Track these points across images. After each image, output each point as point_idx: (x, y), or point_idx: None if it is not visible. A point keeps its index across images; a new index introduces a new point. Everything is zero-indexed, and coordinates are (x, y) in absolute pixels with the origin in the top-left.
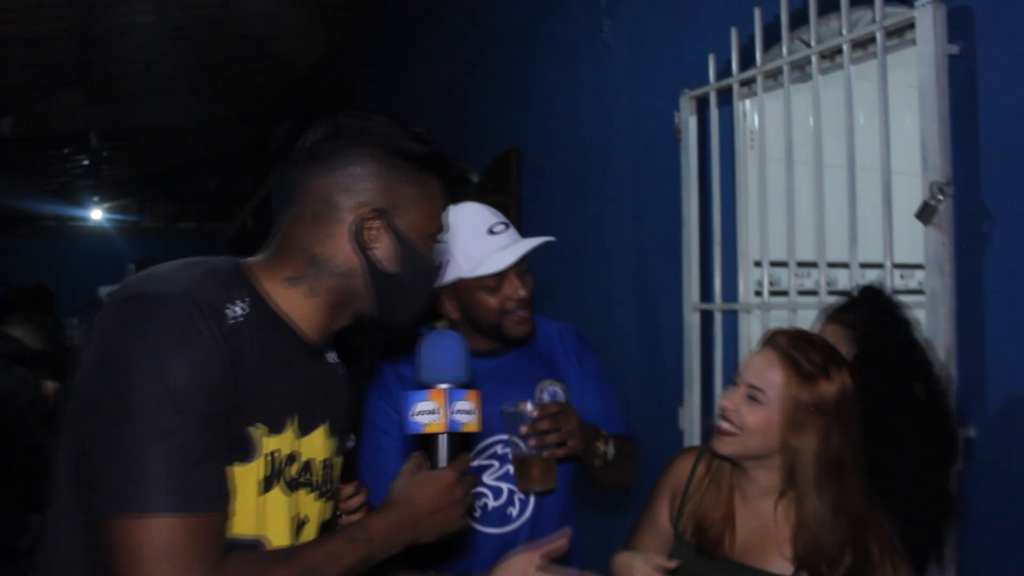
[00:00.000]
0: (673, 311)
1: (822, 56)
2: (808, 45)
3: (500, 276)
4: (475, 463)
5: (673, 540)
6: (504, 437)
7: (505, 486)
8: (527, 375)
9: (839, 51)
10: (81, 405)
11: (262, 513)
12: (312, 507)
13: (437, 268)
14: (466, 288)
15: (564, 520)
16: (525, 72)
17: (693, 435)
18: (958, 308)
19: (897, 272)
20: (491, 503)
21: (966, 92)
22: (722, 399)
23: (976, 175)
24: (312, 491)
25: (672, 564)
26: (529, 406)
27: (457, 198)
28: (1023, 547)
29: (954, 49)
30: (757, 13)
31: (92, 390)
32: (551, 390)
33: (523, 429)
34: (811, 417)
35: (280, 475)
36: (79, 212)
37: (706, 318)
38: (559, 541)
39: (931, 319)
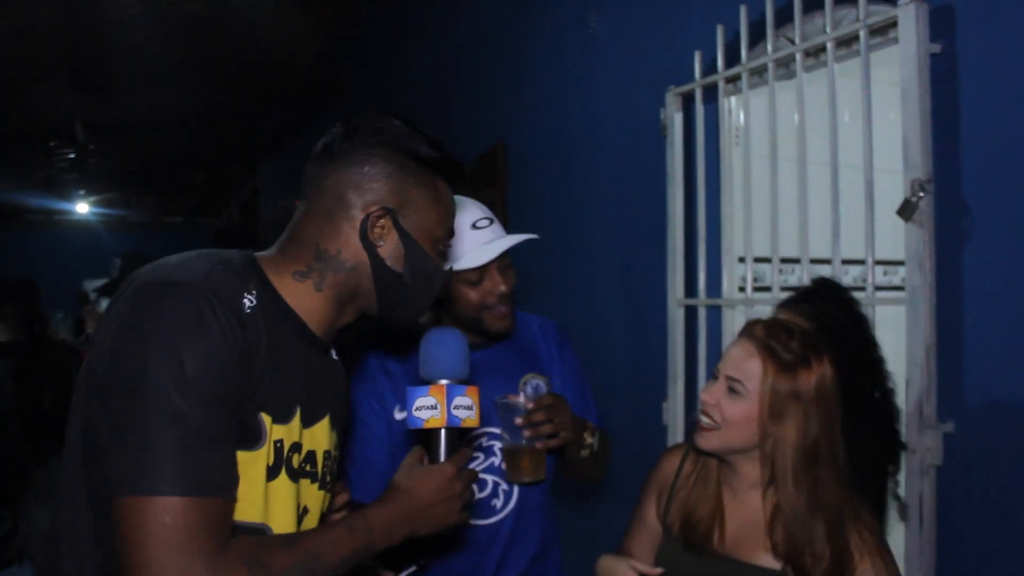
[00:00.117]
0: (657, 306)
1: (806, 54)
2: (793, 43)
3: (481, 271)
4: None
5: (662, 537)
6: (490, 430)
7: (490, 478)
8: (510, 368)
9: (823, 49)
10: (94, 388)
11: (267, 500)
12: (314, 497)
13: (442, 271)
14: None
15: (546, 511)
16: (512, 67)
17: (677, 429)
18: (938, 304)
19: (880, 269)
20: (476, 494)
21: (947, 90)
22: (702, 393)
23: (957, 172)
24: (314, 482)
25: (657, 572)
26: (522, 398)
27: None
28: (1000, 542)
29: (936, 48)
30: (743, 11)
31: (106, 373)
32: (534, 383)
33: (518, 421)
34: (790, 407)
35: (285, 464)
36: (65, 205)
37: (690, 313)
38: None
39: (911, 314)
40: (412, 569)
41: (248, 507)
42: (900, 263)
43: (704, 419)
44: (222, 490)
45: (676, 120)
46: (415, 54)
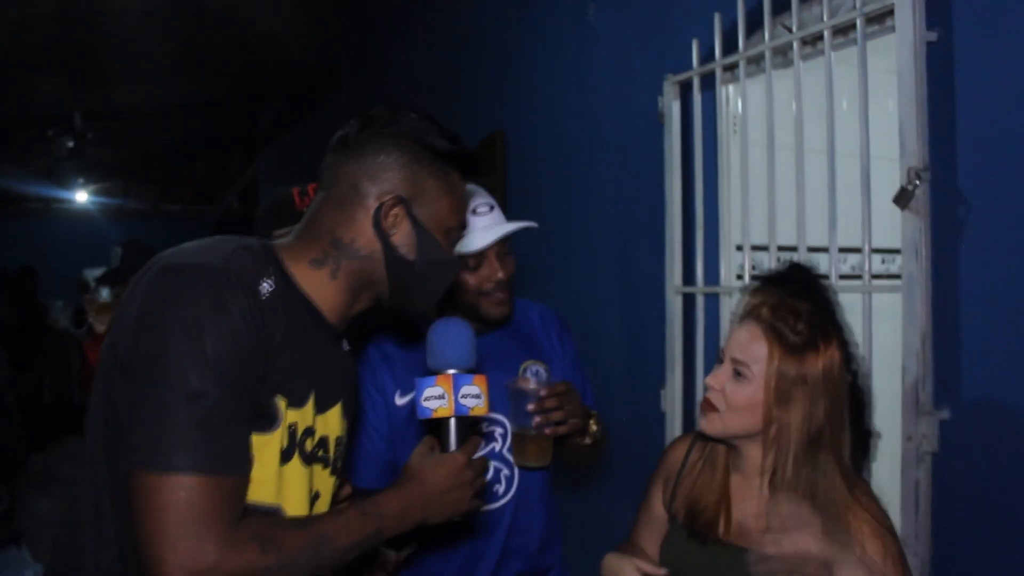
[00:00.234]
0: (655, 294)
1: (804, 42)
2: (790, 31)
3: (479, 256)
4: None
5: (668, 525)
6: (490, 415)
7: (491, 464)
8: (510, 355)
9: (820, 37)
10: (114, 367)
11: (280, 483)
12: (326, 482)
13: (453, 261)
14: None
15: (547, 498)
16: (510, 56)
17: (675, 417)
18: (934, 291)
19: (878, 257)
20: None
21: (944, 79)
22: (708, 377)
23: (953, 161)
24: (326, 467)
25: (662, 572)
26: (533, 384)
27: None
28: (996, 529)
29: (932, 36)
30: None
31: (126, 352)
32: (534, 369)
33: (530, 407)
34: (797, 391)
35: (298, 447)
36: (64, 194)
37: (688, 301)
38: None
39: (907, 302)
40: (412, 548)
41: (262, 488)
42: (898, 251)
43: (708, 403)
44: (236, 470)
45: (674, 108)
46: (413, 44)
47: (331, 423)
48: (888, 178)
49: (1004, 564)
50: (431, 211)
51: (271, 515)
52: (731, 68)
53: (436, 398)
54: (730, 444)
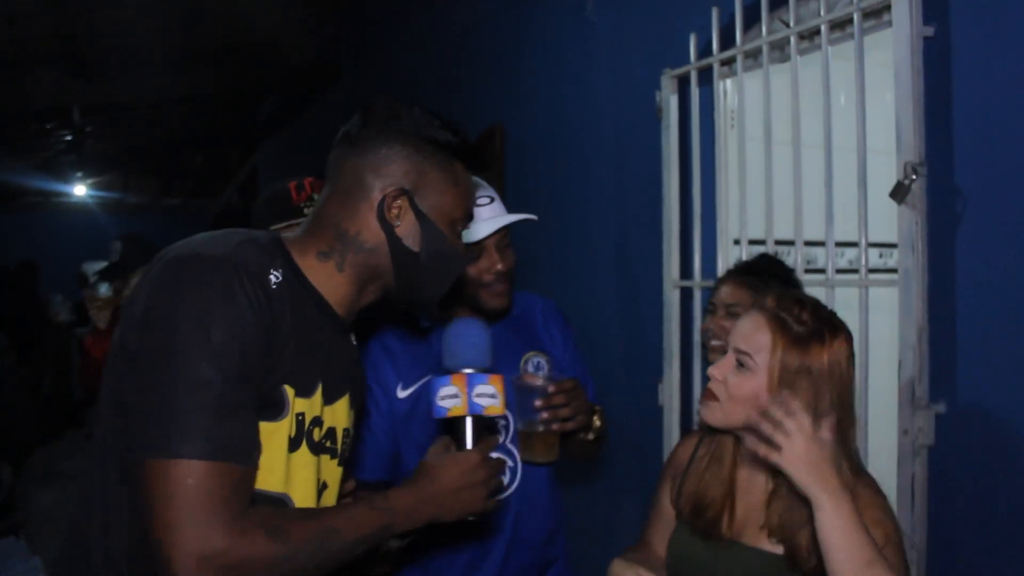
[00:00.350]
0: (653, 288)
1: (801, 36)
2: (787, 25)
3: (479, 248)
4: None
5: (676, 522)
6: None
7: (494, 455)
8: (511, 347)
9: (818, 32)
10: (123, 359)
11: (288, 471)
12: (334, 473)
13: (459, 253)
14: None
15: (551, 490)
16: (509, 50)
17: (673, 410)
18: (930, 286)
19: (876, 251)
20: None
21: (940, 73)
22: (710, 368)
23: (949, 155)
24: (333, 458)
25: None
26: (540, 380)
27: None
28: (991, 522)
29: (929, 31)
30: None
31: (134, 343)
32: (535, 361)
33: (538, 403)
34: (800, 383)
35: (306, 437)
36: (63, 187)
37: (686, 295)
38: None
39: (903, 296)
40: (415, 535)
41: (270, 476)
42: (895, 245)
43: (708, 392)
44: (244, 457)
45: (671, 103)
46: (413, 38)
47: (338, 414)
48: (885, 172)
49: (1000, 556)
50: (435, 202)
51: (279, 505)
52: (729, 62)
53: (451, 397)
54: (737, 437)
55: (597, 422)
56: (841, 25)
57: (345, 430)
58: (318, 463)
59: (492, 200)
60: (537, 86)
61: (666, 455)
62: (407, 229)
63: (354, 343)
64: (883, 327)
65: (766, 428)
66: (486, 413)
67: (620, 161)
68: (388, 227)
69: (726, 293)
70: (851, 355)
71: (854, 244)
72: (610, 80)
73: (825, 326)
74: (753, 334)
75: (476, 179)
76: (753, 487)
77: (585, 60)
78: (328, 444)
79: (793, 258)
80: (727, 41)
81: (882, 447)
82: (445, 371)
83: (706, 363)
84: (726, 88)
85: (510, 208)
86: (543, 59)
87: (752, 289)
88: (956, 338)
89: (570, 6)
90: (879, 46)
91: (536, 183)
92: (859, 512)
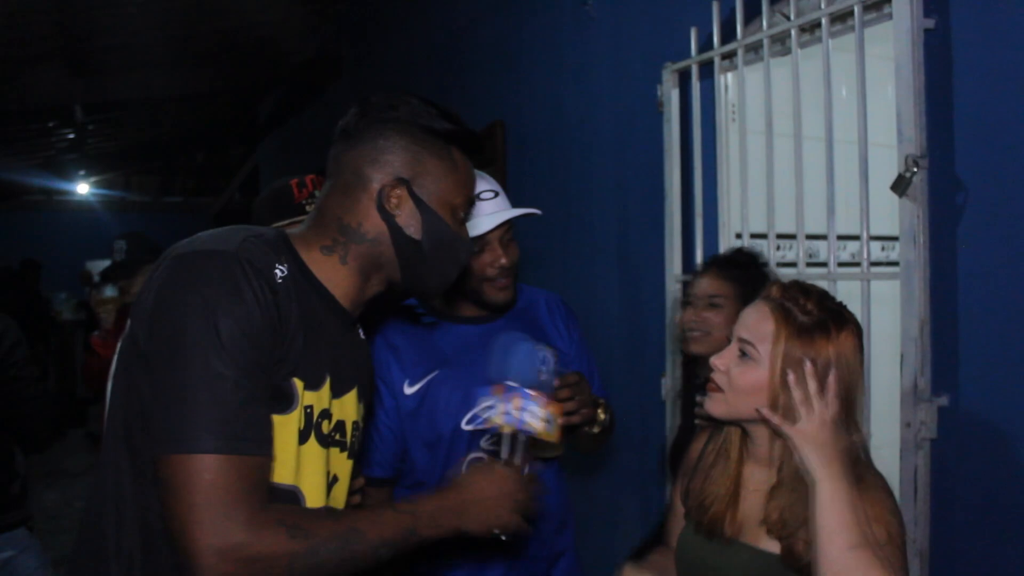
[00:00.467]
0: (655, 282)
1: (802, 29)
2: (788, 18)
3: (482, 242)
4: (469, 427)
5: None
6: None
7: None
8: None
9: (818, 25)
10: (134, 357)
11: (299, 463)
12: (343, 466)
13: (463, 239)
14: None
15: (559, 479)
16: (510, 46)
17: (675, 405)
18: (932, 279)
19: (878, 244)
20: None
21: (941, 66)
22: (713, 358)
23: (950, 148)
24: (343, 451)
25: None
26: (545, 374)
27: None
28: (993, 515)
29: (930, 23)
30: None
31: (145, 341)
32: (541, 355)
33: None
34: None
35: (314, 429)
36: (65, 186)
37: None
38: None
39: (905, 289)
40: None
41: (281, 468)
42: (897, 239)
43: (711, 384)
44: (259, 449)
45: (672, 97)
46: (413, 33)
47: (347, 407)
48: (886, 165)
49: (1002, 549)
50: (434, 190)
51: (290, 497)
52: (729, 56)
53: (490, 408)
54: (744, 430)
55: (602, 415)
56: (842, 18)
57: (354, 423)
58: (327, 456)
59: (496, 195)
60: (538, 81)
61: (668, 449)
62: (407, 218)
63: (362, 336)
64: (885, 320)
65: (797, 395)
66: (537, 436)
67: (621, 156)
68: (389, 217)
69: (706, 285)
70: (858, 348)
71: (856, 237)
72: (611, 75)
73: (831, 317)
74: (757, 323)
75: (480, 173)
76: (758, 483)
77: (586, 55)
78: (337, 437)
79: (795, 252)
80: (728, 35)
81: (884, 440)
82: (494, 382)
83: (684, 357)
84: (727, 82)
85: (512, 204)
86: (543, 54)
87: (733, 281)
88: (958, 331)
89: (570, 1)
90: (880, 39)
91: (537, 178)
92: (860, 503)
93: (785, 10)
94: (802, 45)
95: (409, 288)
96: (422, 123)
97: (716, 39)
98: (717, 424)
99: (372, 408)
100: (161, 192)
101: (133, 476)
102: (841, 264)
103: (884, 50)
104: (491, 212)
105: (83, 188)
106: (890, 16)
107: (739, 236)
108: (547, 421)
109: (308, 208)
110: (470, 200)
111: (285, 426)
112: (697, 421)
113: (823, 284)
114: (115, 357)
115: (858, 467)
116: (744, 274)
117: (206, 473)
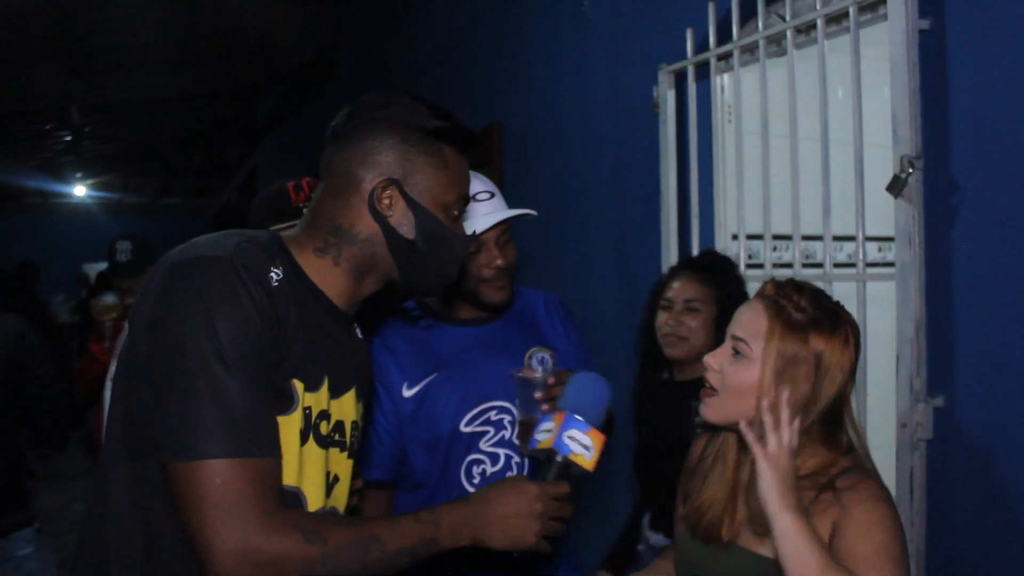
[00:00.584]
0: (652, 282)
1: (797, 31)
2: (784, 20)
3: (479, 242)
4: (468, 429)
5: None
6: (499, 404)
7: (502, 452)
8: (515, 342)
9: (814, 26)
10: (134, 365)
11: (301, 464)
12: (344, 466)
13: (459, 237)
14: None
15: None
16: (506, 47)
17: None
18: (927, 279)
19: (874, 245)
20: (489, 469)
21: (936, 67)
22: (707, 356)
23: (945, 148)
24: (343, 451)
25: None
26: (539, 372)
27: None
28: (989, 515)
29: (925, 24)
30: None
31: (144, 350)
32: (540, 356)
33: (537, 395)
34: (797, 371)
35: (313, 430)
36: (62, 188)
37: None
38: None
39: (901, 290)
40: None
41: (284, 470)
42: (893, 239)
43: (706, 386)
44: (268, 450)
45: (669, 98)
46: (412, 35)
47: (346, 408)
48: (882, 166)
49: (999, 549)
50: (425, 188)
51: (293, 499)
52: (725, 57)
53: (547, 432)
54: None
55: None
56: (837, 19)
57: (353, 423)
58: (326, 456)
59: (492, 195)
60: (535, 83)
61: (632, 458)
62: (400, 218)
63: (359, 336)
64: (881, 321)
65: (768, 420)
66: (573, 459)
67: (618, 157)
68: (381, 218)
69: (681, 288)
70: (852, 347)
71: (852, 238)
72: (607, 76)
73: (826, 316)
74: (751, 321)
75: (476, 174)
76: (754, 486)
77: (582, 56)
78: (336, 437)
79: (791, 252)
80: (723, 36)
81: (880, 441)
82: (559, 408)
83: (643, 359)
84: (723, 83)
85: (509, 204)
86: (540, 56)
87: (710, 284)
88: (954, 331)
89: (567, 3)
90: (875, 40)
91: (534, 179)
92: (819, 529)
93: (781, 11)
94: (798, 46)
95: (410, 287)
96: (412, 121)
97: (712, 40)
98: (714, 429)
99: (371, 407)
100: (159, 194)
101: (133, 480)
102: (837, 265)
103: (880, 51)
104: (487, 213)
105: (80, 190)
106: (885, 17)
107: (735, 237)
108: (587, 448)
109: (305, 210)
110: (464, 197)
111: (287, 428)
112: (697, 428)
113: (819, 285)
114: (113, 363)
115: (850, 476)
116: (721, 277)
117: (216, 478)
